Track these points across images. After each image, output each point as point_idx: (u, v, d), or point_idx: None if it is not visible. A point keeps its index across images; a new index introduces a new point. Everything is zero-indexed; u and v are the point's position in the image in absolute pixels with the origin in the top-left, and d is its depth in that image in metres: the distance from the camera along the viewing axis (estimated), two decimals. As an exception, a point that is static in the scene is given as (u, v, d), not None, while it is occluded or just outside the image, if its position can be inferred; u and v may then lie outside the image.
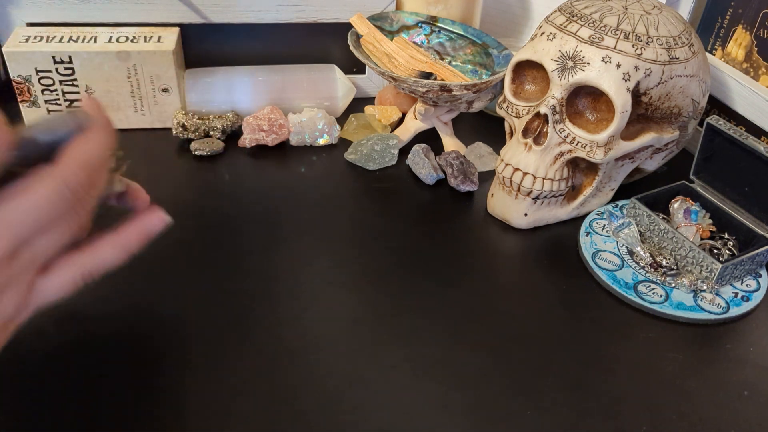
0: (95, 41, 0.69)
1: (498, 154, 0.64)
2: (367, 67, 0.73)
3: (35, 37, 0.69)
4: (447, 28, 0.77)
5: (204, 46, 0.76)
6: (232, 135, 0.73)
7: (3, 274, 0.33)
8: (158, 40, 0.70)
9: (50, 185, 0.33)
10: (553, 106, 0.58)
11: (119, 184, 0.41)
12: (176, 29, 0.73)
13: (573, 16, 0.59)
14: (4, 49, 0.67)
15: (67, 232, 0.35)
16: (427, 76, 0.70)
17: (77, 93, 0.70)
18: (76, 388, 0.45)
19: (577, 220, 0.64)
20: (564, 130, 0.58)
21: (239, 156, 0.71)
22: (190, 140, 0.71)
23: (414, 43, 0.76)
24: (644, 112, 0.60)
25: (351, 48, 0.69)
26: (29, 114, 0.70)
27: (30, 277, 0.35)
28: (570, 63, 0.57)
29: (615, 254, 0.59)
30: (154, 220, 0.40)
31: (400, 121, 0.76)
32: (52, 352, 0.48)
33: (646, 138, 0.60)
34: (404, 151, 0.71)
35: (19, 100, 0.70)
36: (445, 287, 0.56)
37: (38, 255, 0.34)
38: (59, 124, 0.35)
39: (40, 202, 0.33)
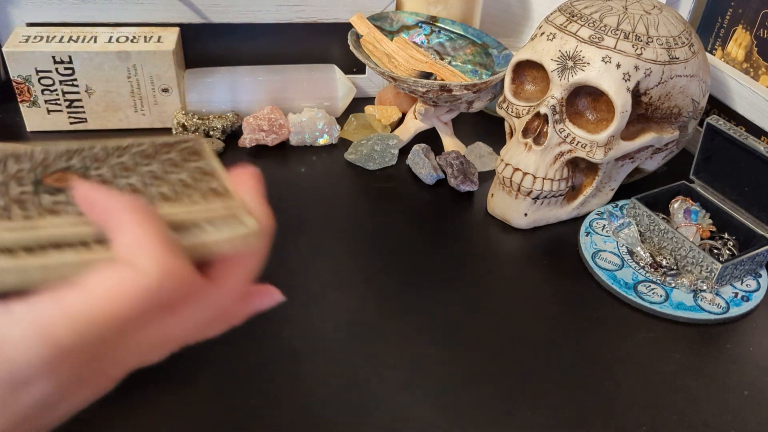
0: (95, 41, 0.69)
1: (498, 154, 0.64)
2: (367, 67, 0.73)
3: (35, 37, 0.69)
4: (447, 28, 0.77)
5: (204, 46, 0.76)
6: (232, 135, 0.73)
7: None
8: (158, 40, 0.70)
9: (210, 308, 0.31)
10: (553, 106, 0.58)
11: None
12: (176, 29, 0.73)
13: (573, 16, 0.59)
14: (4, 49, 0.67)
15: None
16: (427, 76, 0.70)
17: (77, 93, 0.70)
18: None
19: (577, 220, 0.64)
20: (564, 130, 0.58)
21: (239, 156, 0.71)
22: (190, 140, 0.71)
23: (414, 43, 0.76)
24: (644, 112, 0.60)
25: (351, 48, 0.69)
26: (29, 114, 0.70)
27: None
28: (570, 63, 0.57)
29: (615, 254, 0.59)
30: (266, 300, 0.36)
31: (400, 121, 0.76)
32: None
33: (646, 138, 0.60)
34: (404, 151, 0.71)
35: (19, 100, 0.70)
36: (445, 287, 0.56)
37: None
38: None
39: (191, 324, 0.30)
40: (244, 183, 0.35)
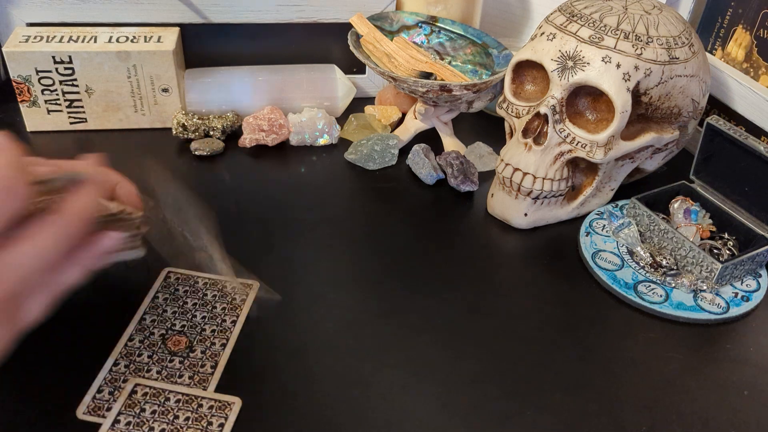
0: (95, 41, 0.69)
1: (498, 154, 0.64)
2: (367, 67, 0.73)
3: (35, 37, 0.69)
4: (447, 28, 0.77)
5: (204, 46, 0.76)
6: (232, 135, 0.73)
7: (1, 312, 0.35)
8: (158, 40, 0.70)
9: (55, 233, 0.36)
10: (553, 106, 0.58)
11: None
12: (176, 29, 0.73)
13: (573, 16, 0.59)
14: (4, 49, 0.67)
15: (50, 301, 0.38)
16: (427, 76, 0.70)
17: (77, 93, 0.70)
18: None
19: (577, 220, 0.64)
20: (564, 130, 0.58)
21: (239, 156, 0.71)
22: (190, 140, 0.71)
23: (414, 43, 0.76)
24: (644, 112, 0.60)
25: (351, 48, 0.69)
26: (29, 114, 0.70)
27: (17, 311, 0.36)
28: (570, 63, 0.57)
29: (615, 254, 0.59)
30: (105, 241, 0.40)
31: (400, 121, 0.76)
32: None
33: (646, 138, 0.60)
34: (404, 151, 0.71)
35: (19, 100, 0.70)
36: (445, 287, 0.56)
37: (27, 293, 0.37)
38: (61, 176, 0.38)
39: (45, 250, 0.35)
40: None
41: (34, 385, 0.46)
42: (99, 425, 0.43)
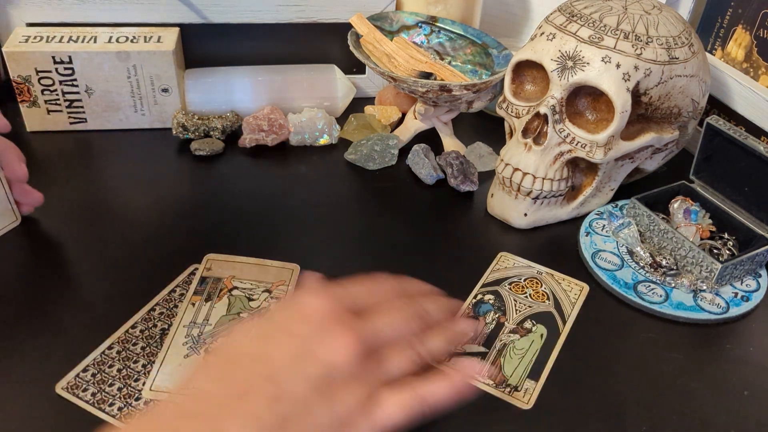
0: (95, 41, 0.69)
1: (498, 154, 0.64)
2: (367, 67, 0.73)
3: (35, 37, 0.69)
4: (447, 28, 0.77)
5: (204, 46, 0.76)
6: (232, 135, 0.73)
7: (352, 370, 0.35)
8: (158, 40, 0.70)
9: (411, 308, 0.40)
10: (552, 106, 0.58)
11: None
12: (176, 29, 0.73)
13: (573, 16, 0.59)
14: (4, 49, 0.67)
15: (412, 358, 0.38)
16: (427, 76, 0.70)
17: (77, 93, 0.70)
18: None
19: (577, 220, 0.64)
20: (564, 130, 0.58)
21: (239, 156, 0.71)
22: (190, 140, 0.71)
23: (414, 43, 0.76)
24: (644, 112, 0.60)
25: (351, 48, 0.69)
26: (29, 114, 0.70)
27: (374, 384, 0.36)
28: (570, 63, 0.57)
29: (615, 254, 0.59)
30: (475, 367, 0.44)
31: (400, 121, 0.76)
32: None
33: (646, 138, 0.60)
34: (404, 151, 0.71)
35: (19, 100, 0.70)
36: (444, 287, 0.56)
37: (385, 368, 0.37)
38: None
39: (397, 319, 0.39)
40: None
41: (24, 353, 0.47)
42: (73, 404, 0.44)
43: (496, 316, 0.53)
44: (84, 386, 0.45)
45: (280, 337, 0.36)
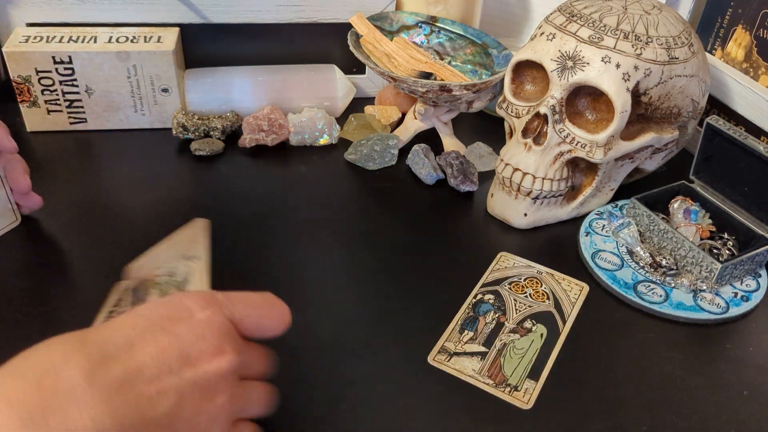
0: (95, 41, 0.69)
1: (498, 154, 0.64)
2: (367, 67, 0.73)
3: (35, 37, 0.69)
4: (447, 28, 0.77)
5: (204, 46, 0.76)
6: (232, 135, 0.73)
7: (229, 387, 0.34)
8: (158, 40, 0.70)
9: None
10: (552, 106, 0.58)
11: None
12: (176, 29, 0.73)
13: (573, 16, 0.59)
14: (4, 49, 0.67)
15: (266, 401, 0.39)
16: (427, 76, 0.70)
17: (77, 93, 0.70)
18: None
19: (577, 220, 0.64)
20: (564, 130, 0.58)
21: (239, 156, 0.71)
22: (190, 140, 0.71)
23: (414, 43, 0.76)
24: (644, 112, 0.60)
25: (351, 48, 0.69)
26: (29, 114, 0.70)
27: (235, 417, 0.36)
28: (570, 63, 0.57)
29: (615, 254, 0.59)
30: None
31: (400, 121, 0.76)
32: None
33: (646, 138, 0.60)
34: (404, 151, 0.71)
35: (19, 100, 0.70)
36: (444, 287, 0.56)
37: (248, 405, 0.37)
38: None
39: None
40: None
41: None
42: None
43: (496, 315, 0.53)
44: None
45: (156, 332, 0.33)
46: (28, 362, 0.30)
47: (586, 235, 0.61)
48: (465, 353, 0.49)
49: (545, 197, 0.61)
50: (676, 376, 0.49)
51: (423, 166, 0.68)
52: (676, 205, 0.62)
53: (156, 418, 0.31)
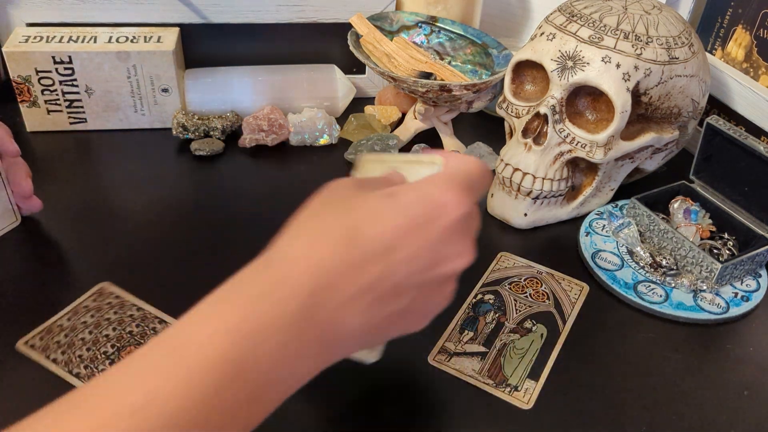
0: (95, 41, 0.69)
1: (498, 154, 0.64)
2: (367, 67, 0.73)
3: (35, 37, 0.69)
4: (447, 28, 0.77)
5: (204, 46, 0.76)
6: (232, 135, 0.73)
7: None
8: (158, 40, 0.70)
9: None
10: (552, 106, 0.58)
11: None
12: (176, 29, 0.73)
13: (573, 16, 0.59)
14: (4, 49, 0.67)
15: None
16: (427, 76, 0.70)
17: (77, 93, 0.70)
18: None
19: (577, 220, 0.64)
20: (564, 130, 0.58)
21: (239, 156, 0.71)
22: (190, 140, 0.71)
23: (414, 43, 0.76)
24: (644, 112, 0.60)
25: (351, 48, 0.69)
26: (29, 114, 0.70)
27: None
28: (570, 63, 0.57)
29: (615, 254, 0.59)
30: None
31: (400, 121, 0.76)
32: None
33: (646, 138, 0.60)
34: (404, 151, 0.71)
35: (19, 100, 0.70)
36: (445, 287, 0.56)
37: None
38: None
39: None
40: None
41: None
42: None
43: (496, 315, 0.53)
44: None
45: (412, 233, 0.35)
46: (297, 254, 0.36)
47: (586, 235, 0.61)
48: (465, 353, 0.49)
49: (545, 197, 0.61)
50: (676, 376, 0.49)
51: (423, 166, 0.67)
52: (676, 205, 0.62)
53: (395, 310, 0.35)
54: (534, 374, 0.48)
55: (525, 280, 0.56)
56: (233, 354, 0.30)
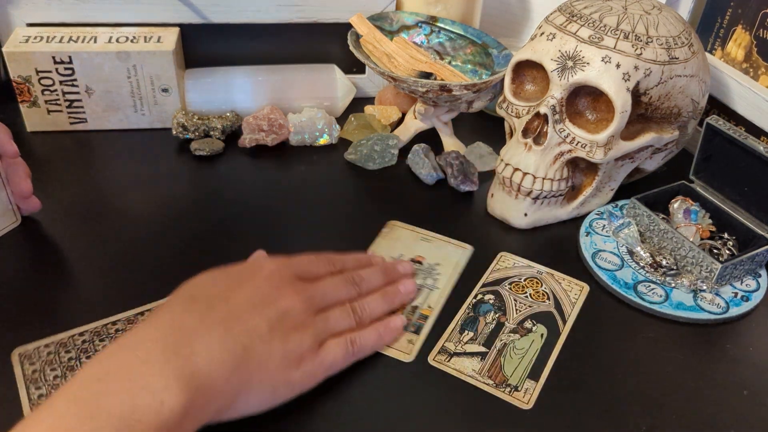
0: (95, 41, 0.69)
1: (498, 154, 0.64)
2: (367, 67, 0.73)
3: (35, 38, 0.69)
4: (447, 28, 0.77)
5: (204, 46, 0.76)
6: (232, 135, 0.73)
7: (303, 318, 0.44)
8: (158, 40, 0.70)
9: (348, 276, 0.50)
10: (553, 106, 0.58)
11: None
12: (176, 29, 0.73)
13: (573, 16, 0.59)
14: (4, 50, 0.67)
15: (350, 316, 0.48)
16: (427, 76, 0.70)
17: (77, 93, 0.70)
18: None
19: (577, 220, 0.64)
20: (564, 130, 0.58)
21: (239, 156, 0.71)
22: (190, 140, 0.71)
23: (414, 43, 0.76)
24: (644, 112, 0.60)
25: (351, 48, 0.69)
26: (29, 114, 0.70)
27: (320, 334, 0.45)
28: (570, 63, 0.57)
29: (615, 254, 0.59)
30: (398, 322, 0.50)
31: (400, 121, 0.76)
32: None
33: (646, 138, 0.60)
34: (404, 151, 0.71)
35: (19, 100, 0.70)
36: (445, 287, 0.56)
37: (329, 323, 0.46)
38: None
39: (337, 284, 0.49)
40: None
41: None
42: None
43: (497, 315, 0.53)
44: (33, 360, 0.45)
45: (240, 285, 0.44)
46: (159, 317, 0.40)
47: (587, 235, 0.61)
48: (465, 353, 0.49)
49: (545, 197, 0.61)
50: (676, 376, 0.49)
51: (423, 166, 0.68)
52: (676, 205, 0.62)
53: (256, 344, 0.41)
54: (534, 374, 0.48)
55: (525, 280, 0.56)
56: None
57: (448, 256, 0.58)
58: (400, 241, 0.59)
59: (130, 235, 0.59)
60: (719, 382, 0.49)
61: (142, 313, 0.50)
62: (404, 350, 0.49)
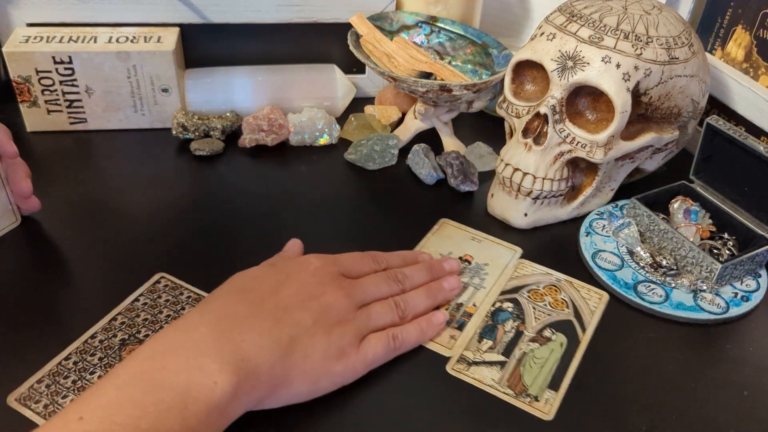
0: (95, 41, 0.69)
1: (498, 154, 0.64)
2: (367, 67, 0.73)
3: (35, 38, 0.69)
4: (447, 28, 0.77)
5: (204, 46, 0.76)
6: (232, 135, 0.73)
7: (346, 314, 0.46)
8: (158, 40, 0.70)
9: (392, 273, 0.51)
10: (553, 106, 0.58)
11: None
12: (176, 29, 0.73)
13: (573, 16, 0.59)
14: (4, 49, 0.67)
15: (394, 312, 0.49)
16: (427, 76, 0.70)
17: (77, 93, 0.70)
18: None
19: (577, 220, 0.64)
20: (564, 130, 0.58)
21: (239, 156, 0.71)
22: (190, 140, 0.71)
23: (414, 43, 0.76)
24: (644, 112, 0.60)
25: (351, 48, 0.69)
26: (29, 114, 0.70)
27: (363, 328, 0.46)
28: (570, 63, 0.57)
29: (615, 254, 0.59)
30: (440, 317, 0.51)
31: (400, 121, 0.76)
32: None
33: (646, 138, 0.60)
34: (404, 151, 0.71)
35: (19, 100, 0.70)
36: (445, 287, 0.56)
37: (372, 318, 0.47)
38: None
39: (381, 281, 0.50)
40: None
41: (25, 352, 0.47)
42: (25, 417, 0.42)
43: (515, 324, 0.52)
44: (36, 398, 0.44)
45: (288, 280, 0.46)
46: (212, 305, 0.43)
47: (587, 235, 0.61)
48: (484, 362, 0.49)
49: (545, 197, 0.61)
50: (677, 376, 0.49)
51: (423, 166, 0.68)
52: (676, 205, 0.62)
53: (302, 336, 0.43)
54: (554, 384, 0.48)
55: (544, 287, 0.56)
56: None
57: (497, 256, 0.58)
58: (450, 239, 0.60)
59: (130, 235, 0.59)
60: (719, 382, 0.49)
61: (115, 318, 0.50)
62: (446, 345, 0.49)
